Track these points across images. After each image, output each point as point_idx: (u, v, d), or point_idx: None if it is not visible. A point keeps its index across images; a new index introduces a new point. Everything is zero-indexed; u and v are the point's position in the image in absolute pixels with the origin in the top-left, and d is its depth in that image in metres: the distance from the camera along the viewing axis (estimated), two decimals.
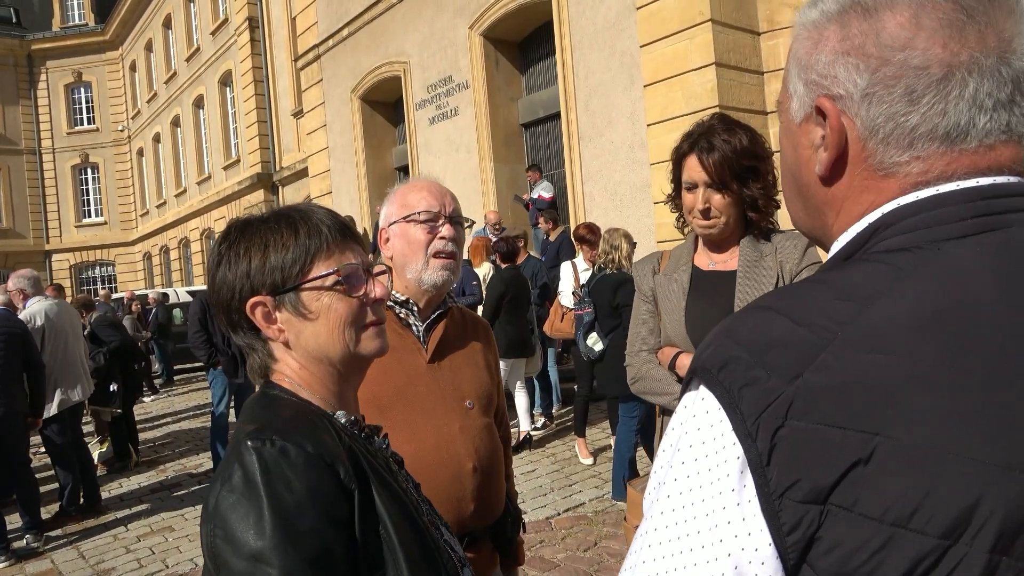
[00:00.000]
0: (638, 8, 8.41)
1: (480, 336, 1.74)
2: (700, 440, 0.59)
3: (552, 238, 8.25)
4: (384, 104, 13.67)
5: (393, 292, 1.57)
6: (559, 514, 4.60)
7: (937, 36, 0.61)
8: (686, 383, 0.64)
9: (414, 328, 1.61)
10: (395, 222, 1.60)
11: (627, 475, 4.61)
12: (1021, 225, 0.60)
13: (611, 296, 4.69)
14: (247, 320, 1.01)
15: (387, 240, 1.61)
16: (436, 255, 1.57)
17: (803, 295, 0.62)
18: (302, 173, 17.10)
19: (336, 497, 0.87)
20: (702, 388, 0.60)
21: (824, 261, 0.74)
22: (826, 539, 0.53)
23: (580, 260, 5.94)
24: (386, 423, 1.38)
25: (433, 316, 1.63)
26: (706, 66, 7.87)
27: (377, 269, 1.07)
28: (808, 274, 1.64)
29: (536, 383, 6.79)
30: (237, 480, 0.85)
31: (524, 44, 11.12)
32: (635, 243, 4.92)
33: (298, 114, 17.35)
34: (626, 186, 8.82)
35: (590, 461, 5.54)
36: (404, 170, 13.19)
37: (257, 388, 1.07)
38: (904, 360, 0.54)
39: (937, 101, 0.61)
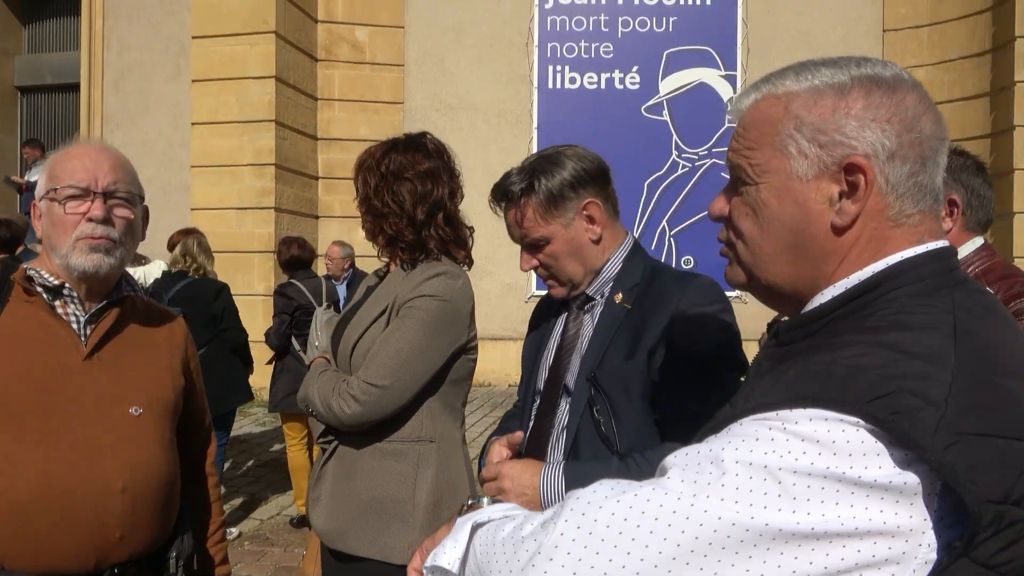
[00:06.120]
0: None
1: (168, 333, 1.59)
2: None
3: None
4: None
5: (43, 275, 1.41)
6: None
7: (931, 115, 0.78)
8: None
9: (72, 318, 1.43)
10: (43, 197, 1.43)
11: None
12: (965, 280, 0.77)
13: (211, 303, 4.20)
14: None
15: (39, 216, 1.43)
16: (83, 238, 1.39)
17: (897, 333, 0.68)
18: None
19: None
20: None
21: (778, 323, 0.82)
22: None
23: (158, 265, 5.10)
24: (16, 433, 1.29)
25: (100, 306, 1.46)
26: (266, 77, 7.64)
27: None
28: (419, 303, 1.66)
29: None
30: None
31: None
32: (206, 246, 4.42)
33: None
34: (159, 185, 7.89)
35: None
36: None
37: None
38: None
39: (933, 166, 0.77)
